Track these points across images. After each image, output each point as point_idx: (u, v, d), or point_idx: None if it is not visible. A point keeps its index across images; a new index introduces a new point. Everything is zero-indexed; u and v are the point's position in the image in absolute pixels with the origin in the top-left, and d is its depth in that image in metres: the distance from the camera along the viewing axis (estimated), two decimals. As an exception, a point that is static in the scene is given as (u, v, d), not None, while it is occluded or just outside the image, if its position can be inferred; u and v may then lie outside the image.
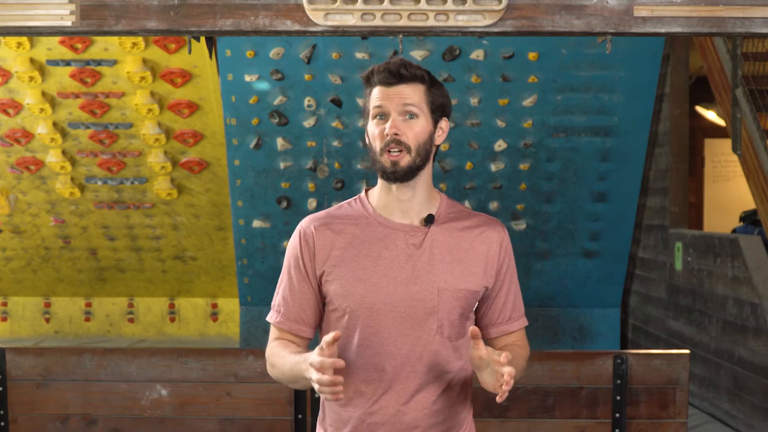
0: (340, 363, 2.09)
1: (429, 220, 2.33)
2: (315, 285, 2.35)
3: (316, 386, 2.10)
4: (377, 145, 2.28)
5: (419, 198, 2.33)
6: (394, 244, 2.31)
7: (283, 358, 2.30)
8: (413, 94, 2.27)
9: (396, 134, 2.25)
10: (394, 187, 2.32)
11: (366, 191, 2.41)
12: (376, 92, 2.29)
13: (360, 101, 7.18)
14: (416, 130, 2.27)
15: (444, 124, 2.35)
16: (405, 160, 2.26)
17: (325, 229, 2.34)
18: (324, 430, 2.40)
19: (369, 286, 2.29)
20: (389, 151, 2.26)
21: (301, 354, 2.25)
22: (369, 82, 2.31)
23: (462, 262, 2.32)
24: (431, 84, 2.31)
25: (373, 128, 2.29)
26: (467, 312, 2.35)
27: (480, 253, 2.35)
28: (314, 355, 2.11)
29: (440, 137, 2.34)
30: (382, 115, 2.28)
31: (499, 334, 2.42)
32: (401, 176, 2.27)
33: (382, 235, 2.32)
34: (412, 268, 2.29)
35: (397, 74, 2.26)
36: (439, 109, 2.32)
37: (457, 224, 2.36)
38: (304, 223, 2.37)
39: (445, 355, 2.31)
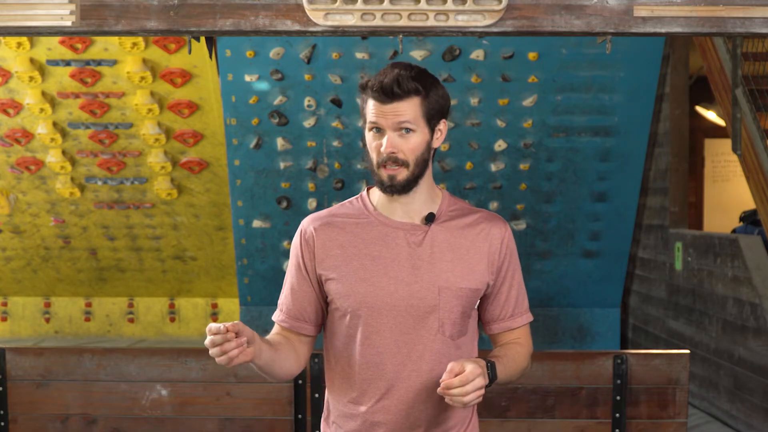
0: (231, 336, 2.05)
1: (430, 218, 2.33)
2: (315, 284, 2.36)
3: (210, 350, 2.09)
4: (374, 158, 2.28)
5: (420, 199, 2.34)
6: (395, 243, 2.31)
7: None
8: (408, 109, 2.25)
9: (392, 152, 2.25)
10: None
11: (368, 189, 2.41)
12: (372, 106, 2.27)
13: (360, 101, 7.17)
14: (413, 145, 2.26)
15: (442, 125, 2.32)
16: (402, 174, 2.26)
17: (326, 228, 2.35)
18: (328, 428, 2.41)
19: (370, 286, 2.29)
20: (386, 166, 2.26)
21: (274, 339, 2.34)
22: (365, 91, 2.30)
23: (463, 261, 2.33)
24: (427, 93, 2.27)
25: (370, 139, 2.29)
26: (468, 310, 2.35)
27: (481, 251, 2.35)
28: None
29: (439, 139, 2.33)
30: (378, 129, 2.27)
31: (502, 330, 2.42)
32: (399, 189, 2.28)
33: (382, 234, 2.32)
34: (412, 266, 2.30)
35: (390, 93, 2.23)
36: (436, 116, 2.29)
37: (458, 222, 2.36)
38: (305, 223, 2.39)
39: (447, 354, 2.32)
